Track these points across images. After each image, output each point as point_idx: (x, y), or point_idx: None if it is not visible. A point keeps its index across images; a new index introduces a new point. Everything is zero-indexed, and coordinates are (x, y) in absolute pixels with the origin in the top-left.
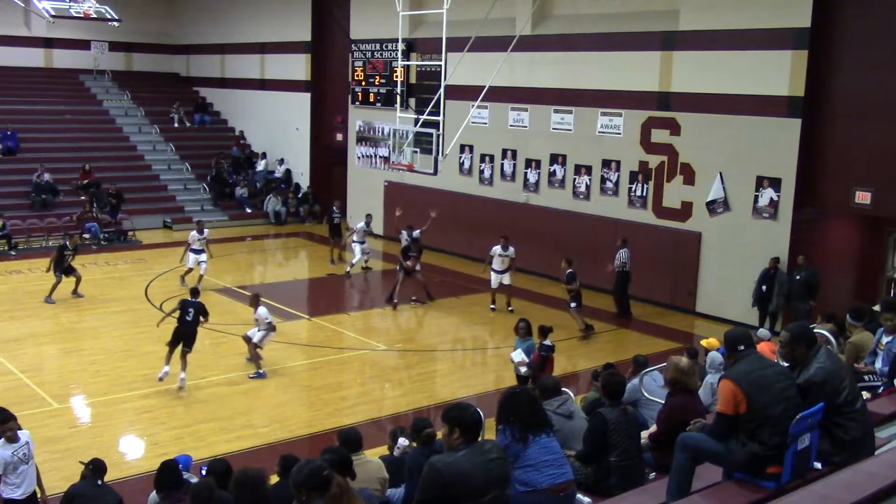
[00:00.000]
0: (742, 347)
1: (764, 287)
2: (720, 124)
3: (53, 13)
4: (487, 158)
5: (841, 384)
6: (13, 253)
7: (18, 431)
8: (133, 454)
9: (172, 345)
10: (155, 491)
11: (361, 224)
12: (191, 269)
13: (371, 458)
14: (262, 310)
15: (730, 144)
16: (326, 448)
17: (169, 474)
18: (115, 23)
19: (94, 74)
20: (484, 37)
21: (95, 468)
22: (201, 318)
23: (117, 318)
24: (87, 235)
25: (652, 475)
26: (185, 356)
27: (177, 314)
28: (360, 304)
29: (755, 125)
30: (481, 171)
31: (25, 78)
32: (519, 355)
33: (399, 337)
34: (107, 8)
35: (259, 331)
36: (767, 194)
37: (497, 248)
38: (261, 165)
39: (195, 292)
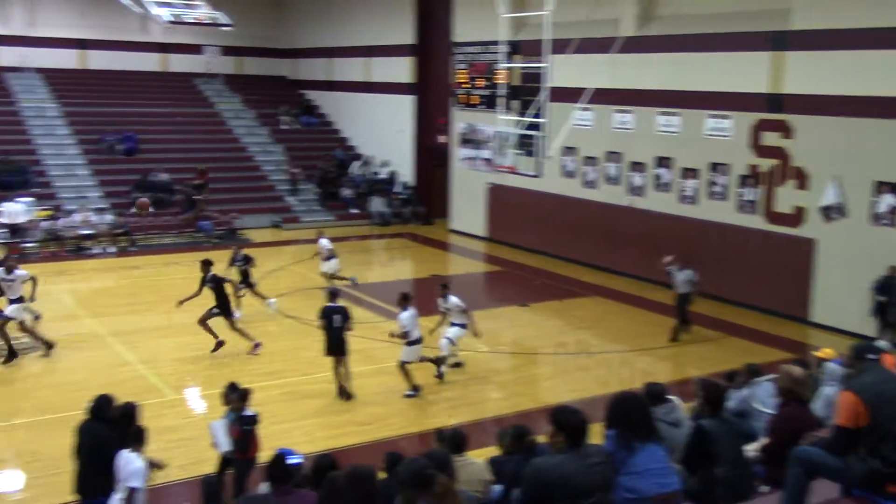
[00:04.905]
0: (870, 356)
1: (882, 297)
2: (836, 127)
3: (169, 19)
4: (591, 161)
5: None
6: (133, 249)
7: None
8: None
9: (331, 354)
10: (265, 482)
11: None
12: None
13: (475, 460)
14: (404, 314)
15: (846, 148)
16: (428, 450)
17: (279, 466)
18: (227, 28)
19: (206, 78)
20: (588, 38)
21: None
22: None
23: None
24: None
25: (765, 489)
26: (343, 364)
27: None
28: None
29: (874, 128)
30: (585, 174)
31: (143, 82)
32: (219, 428)
33: (502, 339)
34: (220, 14)
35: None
36: (886, 200)
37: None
38: (356, 168)
39: (335, 294)
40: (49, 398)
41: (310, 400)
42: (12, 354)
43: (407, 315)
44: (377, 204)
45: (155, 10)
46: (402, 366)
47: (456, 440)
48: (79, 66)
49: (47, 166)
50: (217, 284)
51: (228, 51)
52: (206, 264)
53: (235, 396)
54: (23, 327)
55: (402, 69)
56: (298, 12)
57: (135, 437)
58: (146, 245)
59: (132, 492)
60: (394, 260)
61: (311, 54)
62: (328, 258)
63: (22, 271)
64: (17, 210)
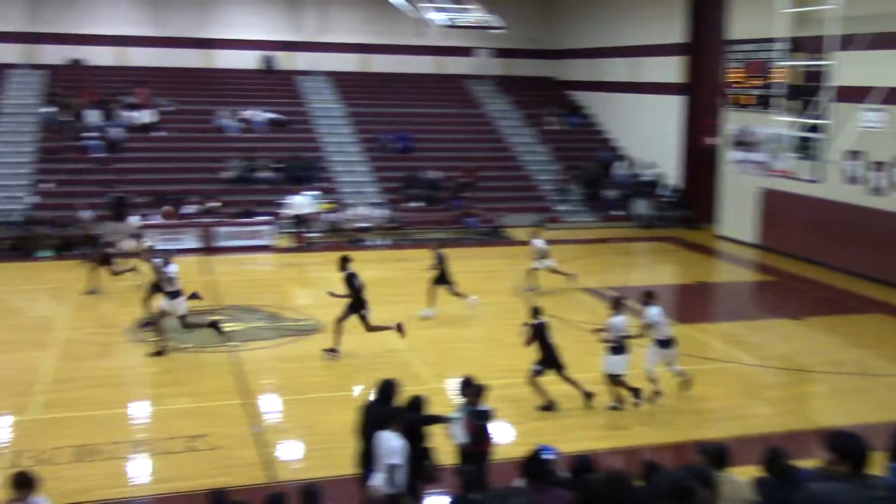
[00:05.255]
0: None
1: None
2: None
3: (444, 23)
4: (880, 166)
5: None
6: (404, 243)
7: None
8: (498, 438)
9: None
10: (521, 478)
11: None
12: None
13: (737, 478)
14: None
15: None
16: (690, 463)
17: (536, 462)
18: (498, 30)
19: (477, 79)
20: (879, 33)
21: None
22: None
23: (487, 309)
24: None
25: None
26: (567, 379)
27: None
28: (730, 315)
29: None
30: (872, 180)
31: (418, 84)
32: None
33: (771, 353)
34: (492, 17)
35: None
36: None
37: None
38: (619, 168)
39: (537, 312)
40: (325, 378)
41: (567, 398)
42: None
43: (618, 320)
44: (641, 206)
45: (431, 15)
46: (611, 378)
47: (718, 455)
48: (362, 69)
49: (331, 163)
50: (349, 282)
51: (499, 53)
52: (344, 261)
53: (471, 391)
54: (184, 322)
55: (670, 69)
56: (567, 14)
57: (395, 417)
58: (416, 239)
59: (393, 468)
60: (656, 264)
61: (578, 55)
62: (541, 258)
63: (175, 266)
64: (303, 202)
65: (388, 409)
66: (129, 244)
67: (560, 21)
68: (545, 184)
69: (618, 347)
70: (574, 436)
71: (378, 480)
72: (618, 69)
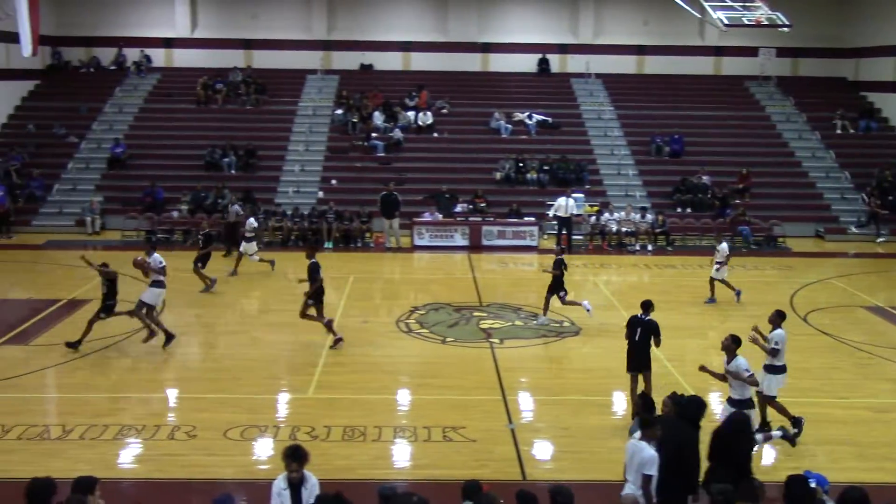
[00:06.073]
0: None
1: None
2: None
3: (727, 22)
4: None
5: None
6: (670, 249)
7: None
8: (764, 459)
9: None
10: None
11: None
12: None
13: None
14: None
15: None
16: None
17: (799, 489)
18: (784, 28)
19: (759, 80)
20: None
21: None
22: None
23: (756, 322)
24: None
25: None
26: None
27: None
28: None
29: None
30: None
31: (695, 85)
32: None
33: None
34: (778, 14)
35: None
36: None
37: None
38: None
39: (647, 306)
40: (580, 381)
41: (841, 425)
42: (170, 337)
43: (779, 333)
44: None
45: (714, 14)
46: (768, 401)
47: None
48: (636, 71)
49: (599, 165)
50: (310, 273)
51: (783, 52)
52: (311, 250)
53: (668, 401)
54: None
55: None
56: (865, 8)
57: (646, 424)
58: (683, 246)
59: (648, 479)
60: None
61: (876, 53)
62: (718, 264)
63: (158, 256)
64: (569, 204)
65: (686, 427)
66: (250, 247)
67: (857, 16)
68: (830, 192)
69: (776, 366)
70: (847, 465)
71: (629, 489)
72: None
